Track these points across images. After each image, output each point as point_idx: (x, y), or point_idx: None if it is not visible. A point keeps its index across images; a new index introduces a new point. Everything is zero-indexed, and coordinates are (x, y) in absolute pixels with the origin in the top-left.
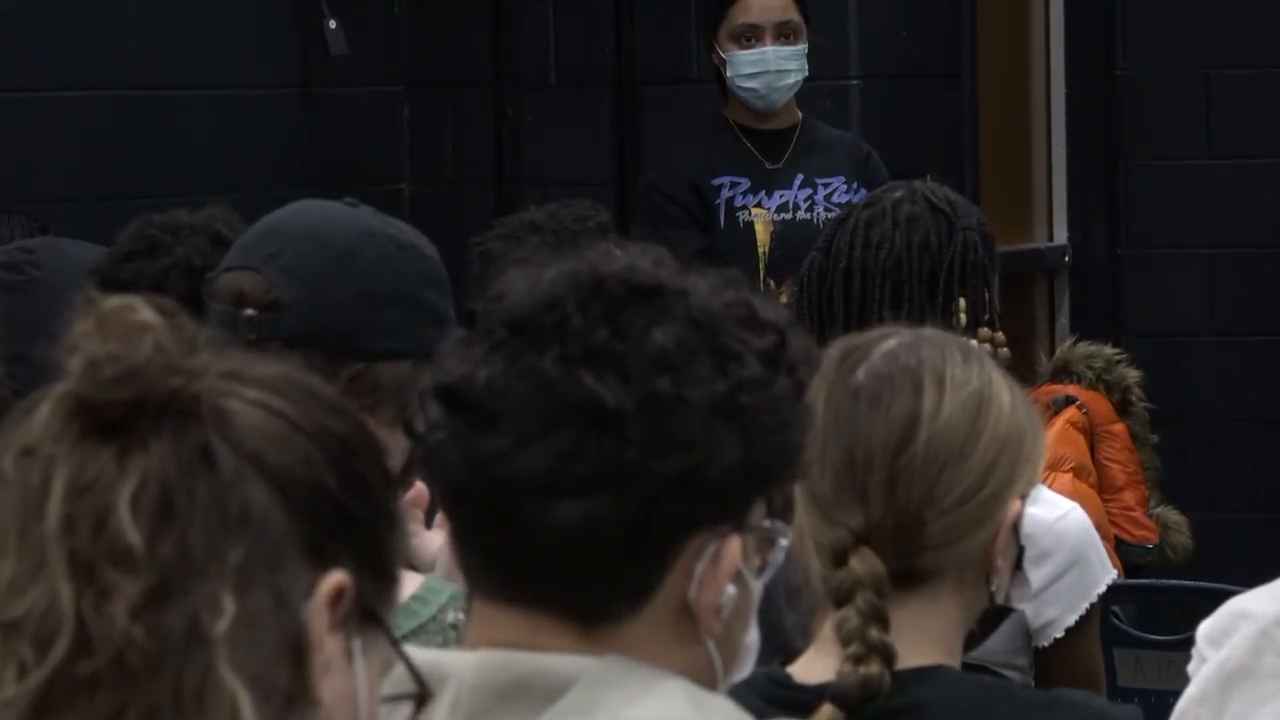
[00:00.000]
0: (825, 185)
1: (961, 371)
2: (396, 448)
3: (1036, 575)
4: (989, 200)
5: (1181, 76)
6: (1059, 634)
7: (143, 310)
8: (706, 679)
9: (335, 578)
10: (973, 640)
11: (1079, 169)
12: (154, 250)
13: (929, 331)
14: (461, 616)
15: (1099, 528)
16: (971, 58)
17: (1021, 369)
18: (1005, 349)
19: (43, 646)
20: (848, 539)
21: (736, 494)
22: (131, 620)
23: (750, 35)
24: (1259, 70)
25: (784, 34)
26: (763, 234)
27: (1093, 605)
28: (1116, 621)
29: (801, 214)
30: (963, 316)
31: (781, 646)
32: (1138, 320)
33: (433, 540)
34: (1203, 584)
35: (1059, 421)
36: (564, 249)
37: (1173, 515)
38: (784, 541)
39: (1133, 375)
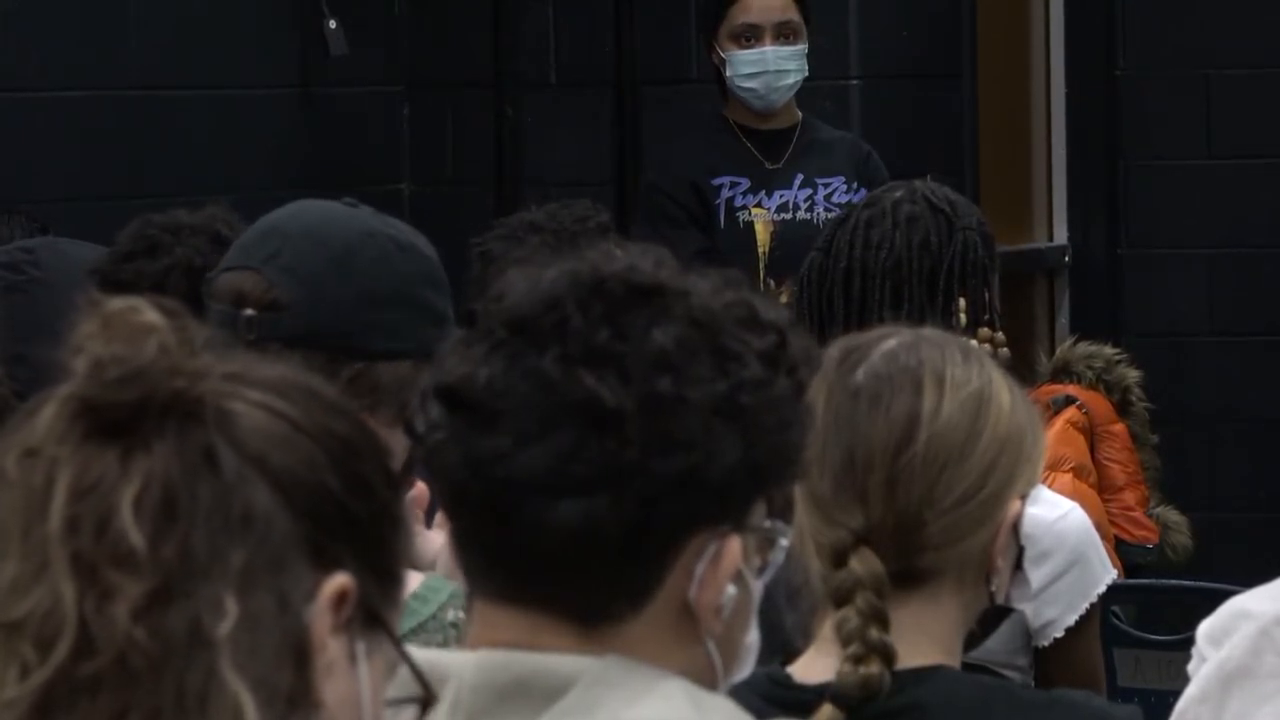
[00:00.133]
0: (825, 185)
1: (961, 371)
2: (396, 448)
3: (1036, 575)
4: (989, 200)
5: (1181, 76)
6: (1059, 634)
7: (147, 312)
8: (707, 679)
9: (338, 580)
10: (973, 640)
11: (1079, 169)
12: (154, 250)
13: (929, 331)
14: (462, 615)
15: (1099, 528)
16: (971, 58)
17: (1021, 369)
18: (1005, 349)
19: (45, 647)
20: (847, 539)
21: (737, 494)
22: (134, 621)
23: (750, 35)
24: (1259, 70)
25: (784, 34)
26: (763, 234)
27: (1093, 605)
28: (1116, 621)
29: (801, 214)
30: (963, 316)
31: (781, 646)
32: (1138, 320)
33: (433, 540)
34: (1203, 584)
35: (1059, 421)
36: (564, 249)
37: (1173, 515)
38: (784, 541)
39: (1133, 375)
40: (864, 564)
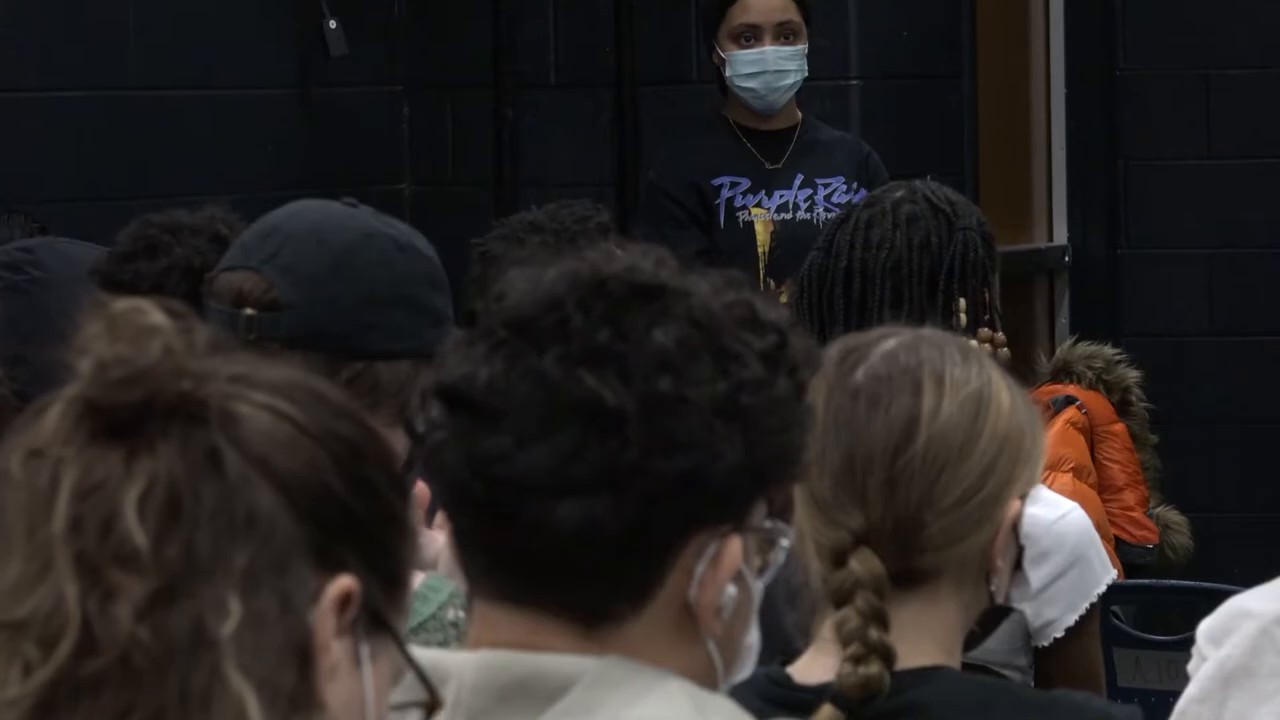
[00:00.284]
0: (825, 185)
1: (961, 372)
2: (396, 447)
3: (1036, 575)
4: (989, 200)
5: (1181, 76)
6: (1059, 634)
7: (152, 313)
8: (707, 679)
9: (342, 582)
10: (973, 640)
11: (1079, 169)
12: (154, 250)
13: (928, 332)
14: (462, 614)
15: (1099, 528)
16: (971, 58)
17: (1021, 369)
18: (1005, 349)
19: (48, 646)
20: (847, 540)
21: (737, 494)
22: (136, 621)
23: (750, 35)
24: (1259, 70)
25: (784, 34)
26: (763, 234)
27: (1093, 605)
28: (1116, 621)
29: (801, 214)
30: (963, 316)
31: (781, 646)
32: (1138, 320)
33: (433, 540)
34: (1203, 584)
35: (1059, 421)
36: (565, 249)
37: (1173, 515)
38: (785, 542)
39: (1133, 375)
40: (864, 564)
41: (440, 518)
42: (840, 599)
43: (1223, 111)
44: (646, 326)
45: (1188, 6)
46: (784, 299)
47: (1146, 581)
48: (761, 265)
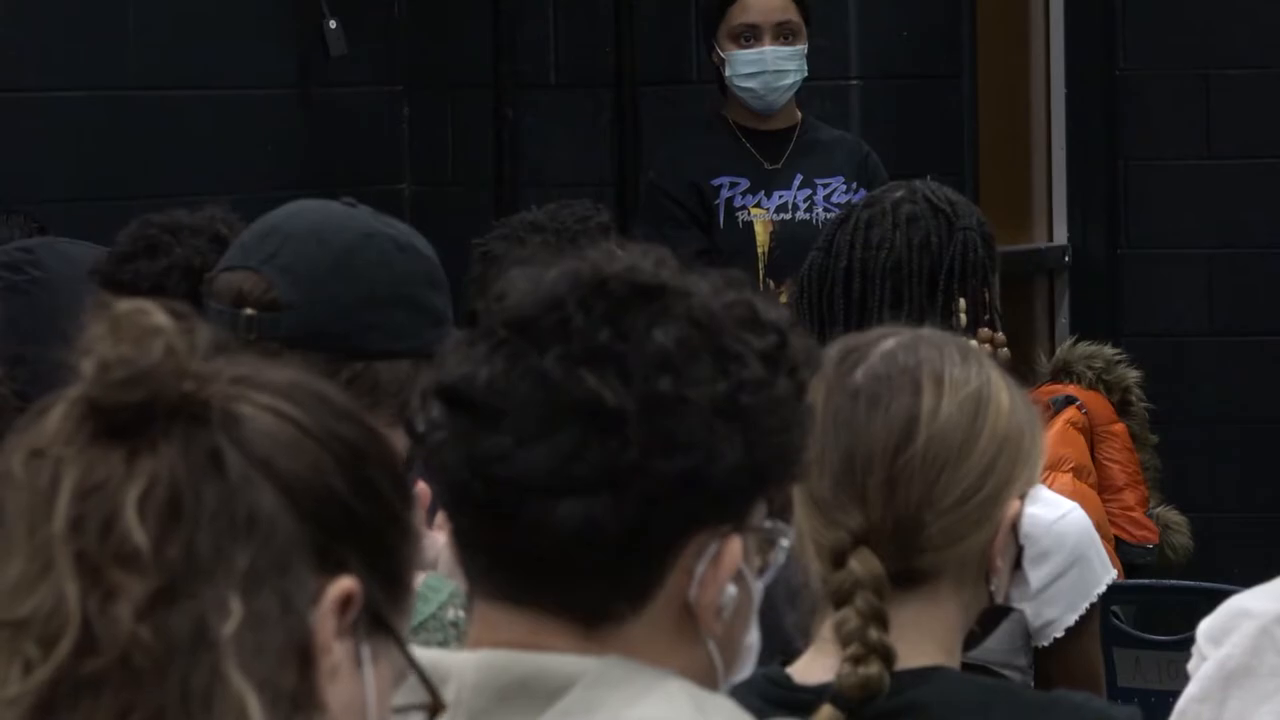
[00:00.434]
0: (824, 185)
1: (960, 372)
2: (396, 447)
3: (1036, 575)
4: (989, 200)
5: (1181, 76)
6: (1059, 634)
7: (155, 314)
8: (707, 679)
9: (343, 583)
10: (973, 640)
11: (1079, 169)
12: (153, 250)
13: (928, 332)
14: (462, 614)
15: (1099, 528)
16: (971, 58)
17: (1021, 369)
18: (1005, 349)
19: (48, 645)
20: (847, 540)
21: (737, 494)
22: (137, 621)
23: (749, 35)
24: (1259, 70)
25: (783, 34)
26: (762, 234)
27: (1093, 605)
28: (1116, 621)
29: (801, 214)
30: (963, 316)
31: (781, 646)
32: (1138, 320)
33: (433, 540)
34: (1203, 584)
35: (1059, 421)
36: (565, 249)
37: (1173, 515)
38: (785, 542)
39: (1133, 375)
40: (863, 564)
41: (440, 518)
42: (840, 599)
43: (1223, 111)
44: (647, 326)
45: (1188, 6)
46: (784, 299)
47: (1146, 581)
48: (761, 265)
